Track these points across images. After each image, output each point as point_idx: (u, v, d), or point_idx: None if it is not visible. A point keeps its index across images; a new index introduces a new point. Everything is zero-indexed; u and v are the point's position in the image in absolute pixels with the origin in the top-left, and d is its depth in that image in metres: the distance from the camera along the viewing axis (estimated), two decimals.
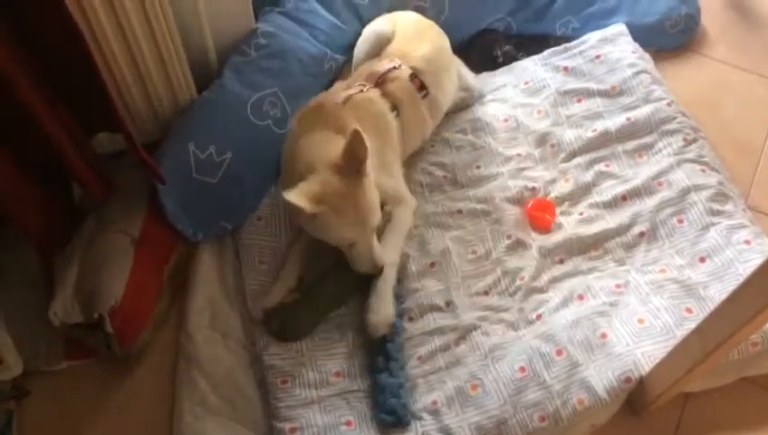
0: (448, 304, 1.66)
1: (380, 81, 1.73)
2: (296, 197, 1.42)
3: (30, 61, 1.30)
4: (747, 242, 1.66)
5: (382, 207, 1.61)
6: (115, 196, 1.63)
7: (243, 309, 1.70)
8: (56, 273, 1.57)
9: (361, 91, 1.70)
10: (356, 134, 1.44)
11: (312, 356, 1.60)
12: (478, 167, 1.87)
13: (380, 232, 1.65)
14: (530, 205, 1.79)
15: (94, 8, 1.41)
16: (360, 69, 1.81)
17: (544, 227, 1.77)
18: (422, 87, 1.78)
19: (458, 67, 1.98)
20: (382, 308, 1.58)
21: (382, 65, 1.76)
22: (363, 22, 2.01)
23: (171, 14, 1.56)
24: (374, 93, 1.71)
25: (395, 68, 1.75)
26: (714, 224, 1.70)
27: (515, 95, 2.00)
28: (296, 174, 1.52)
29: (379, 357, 1.55)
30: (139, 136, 1.61)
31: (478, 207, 1.80)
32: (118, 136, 1.57)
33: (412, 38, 1.85)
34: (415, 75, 1.78)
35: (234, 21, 1.83)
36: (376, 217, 1.56)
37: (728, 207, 1.73)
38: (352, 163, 1.47)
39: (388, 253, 1.63)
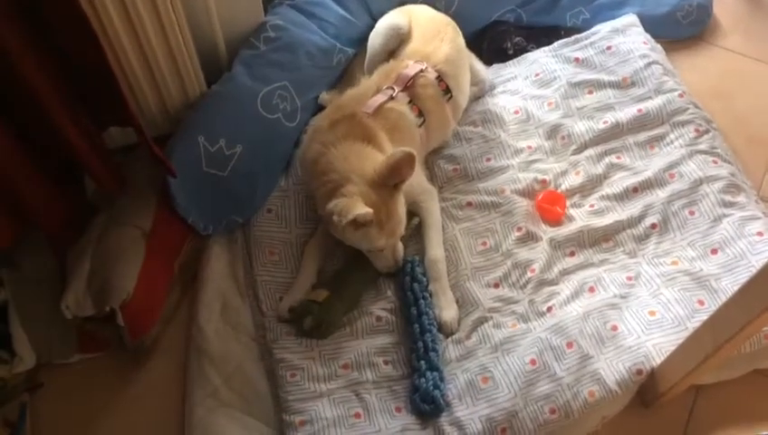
0: (458, 296, 1.66)
1: (409, 84, 1.73)
2: (357, 206, 1.46)
3: (42, 56, 1.31)
4: (760, 234, 1.65)
5: (409, 216, 1.66)
6: (126, 190, 1.64)
7: (253, 302, 1.70)
8: (69, 267, 1.58)
9: (391, 97, 1.70)
10: (409, 157, 1.50)
11: (320, 349, 1.60)
12: (489, 159, 1.86)
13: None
14: (540, 197, 1.78)
15: (104, 2, 1.42)
16: (385, 68, 1.79)
17: (555, 220, 1.76)
18: (447, 90, 1.79)
19: (470, 61, 1.97)
20: (451, 305, 1.64)
21: (411, 68, 1.75)
22: (373, 15, 2.01)
23: (181, 7, 1.56)
24: (403, 103, 1.72)
25: (422, 71, 1.75)
26: (726, 215, 1.69)
27: (526, 87, 1.99)
28: (329, 183, 1.56)
29: (420, 347, 1.56)
30: (149, 130, 1.62)
31: (488, 199, 1.79)
32: (129, 130, 1.58)
33: (431, 37, 1.84)
34: (440, 78, 1.78)
35: (243, 14, 1.83)
36: (403, 226, 1.62)
37: (740, 198, 1.72)
38: (393, 180, 1.53)
39: (435, 249, 1.70)
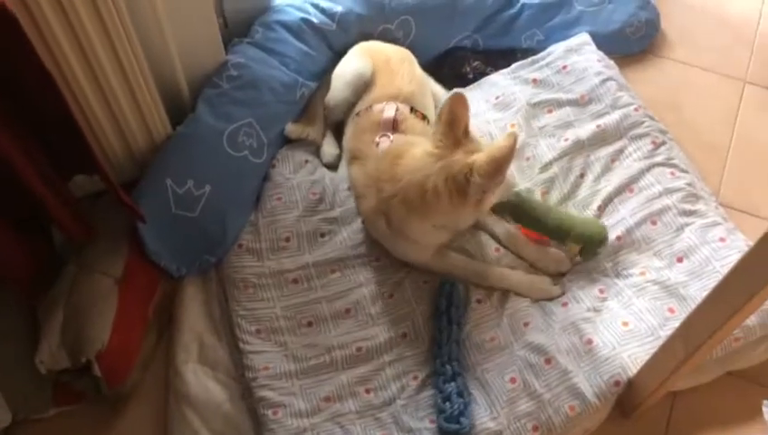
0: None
1: (396, 126, 1.74)
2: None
3: (1, 107, 1.30)
4: (722, 239, 1.70)
5: None
6: (95, 237, 1.62)
7: (231, 340, 1.69)
8: (40, 320, 1.55)
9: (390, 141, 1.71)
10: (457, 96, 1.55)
11: (300, 383, 1.60)
12: None
13: None
14: None
15: (64, 52, 1.41)
16: (366, 118, 1.80)
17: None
18: (423, 117, 1.82)
19: (431, 86, 2.00)
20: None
21: (387, 110, 1.77)
22: (332, 48, 2.03)
23: (141, 51, 1.56)
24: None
25: (397, 109, 1.77)
26: (688, 224, 1.73)
27: (487, 110, 2.01)
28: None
29: (447, 370, 1.56)
30: (116, 176, 1.61)
31: None
32: (96, 177, 1.56)
33: (393, 75, 1.86)
34: (413, 110, 1.80)
35: (204, 54, 1.83)
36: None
37: (700, 206, 1.76)
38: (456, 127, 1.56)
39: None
